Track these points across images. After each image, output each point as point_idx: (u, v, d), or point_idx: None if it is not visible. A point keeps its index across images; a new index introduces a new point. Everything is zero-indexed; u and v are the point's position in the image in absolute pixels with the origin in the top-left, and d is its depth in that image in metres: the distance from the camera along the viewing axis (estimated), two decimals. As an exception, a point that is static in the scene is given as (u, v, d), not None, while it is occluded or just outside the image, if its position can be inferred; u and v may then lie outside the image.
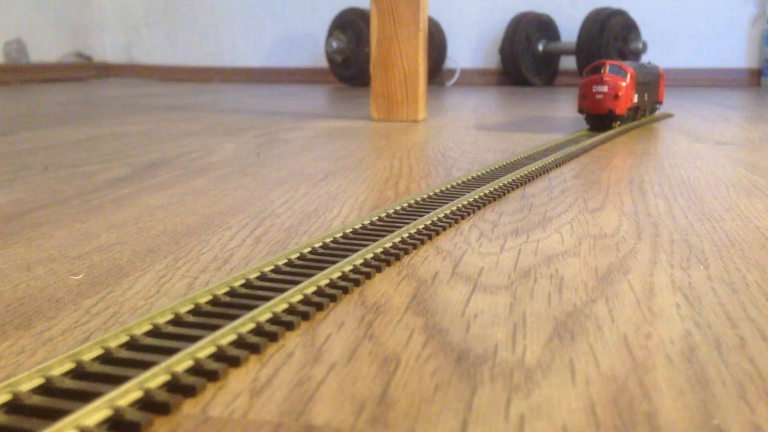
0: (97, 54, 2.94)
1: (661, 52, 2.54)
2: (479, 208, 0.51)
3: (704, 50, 2.57)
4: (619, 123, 0.98)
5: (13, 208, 0.52)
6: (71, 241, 0.43)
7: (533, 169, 0.65)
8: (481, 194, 0.53)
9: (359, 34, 2.41)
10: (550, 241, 0.43)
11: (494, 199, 0.54)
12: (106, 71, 2.96)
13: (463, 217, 0.48)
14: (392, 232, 0.42)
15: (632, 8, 2.46)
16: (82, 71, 2.80)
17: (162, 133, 1.02)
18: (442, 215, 0.47)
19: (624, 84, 0.96)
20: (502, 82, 2.71)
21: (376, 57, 1.19)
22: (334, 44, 2.45)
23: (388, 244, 0.39)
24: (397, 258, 0.38)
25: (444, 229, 0.45)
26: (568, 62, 2.58)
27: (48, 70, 2.59)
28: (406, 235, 0.42)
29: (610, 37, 2.29)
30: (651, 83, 1.12)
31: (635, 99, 1.01)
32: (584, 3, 2.56)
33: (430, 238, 0.43)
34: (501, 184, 0.57)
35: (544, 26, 2.55)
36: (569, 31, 2.55)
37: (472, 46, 2.75)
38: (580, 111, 0.99)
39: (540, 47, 2.54)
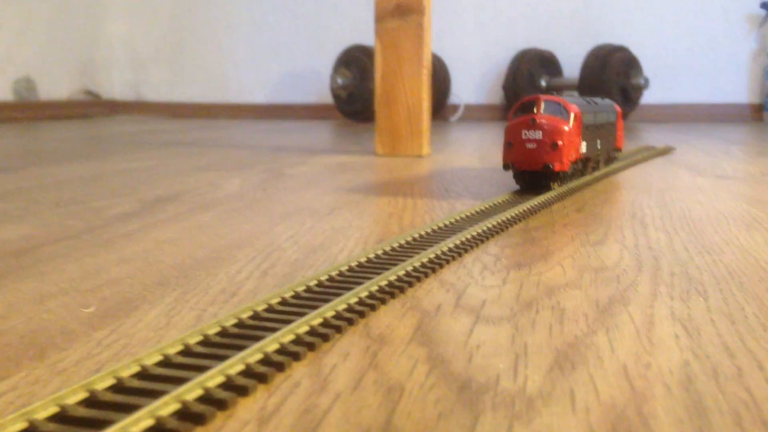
0: (106, 91, 2.98)
1: (662, 87, 2.57)
2: (482, 241, 0.52)
3: (706, 85, 2.59)
4: (558, 183, 0.72)
5: (25, 242, 0.53)
6: (82, 274, 0.44)
7: (536, 203, 0.66)
8: (484, 228, 0.54)
9: (364, 71, 2.44)
10: (551, 273, 0.44)
11: (497, 233, 0.55)
12: (114, 108, 2.99)
13: (466, 251, 0.49)
14: (396, 265, 0.43)
15: (634, 44, 2.49)
16: (91, 108, 2.84)
17: (169, 168, 1.04)
18: (445, 249, 0.48)
19: (566, 128, 0.68)
20: (505, 117, 2.73)
21: (381, 93, 1.21)
22: (339, 80, 2.48)
23: (393, 277, 0.40)
24: (402, 290, 0.39)
25: (447, 262, 0.46)
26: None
27: (57, 107, 2.62)
28: (410, 268, 0.42)
29: (612, 73, 2.32)
30: (605, 126, 0.85)
31: (583, 148, 0.74)
32: (586, 39, 2.59)
33: (434, 271, 0.44)
34: (504, 218, 0.58)
35: (547, 62, 2.58)
36: (571, 67, 2.58)
37: (475, 82, 2.78)
38: (506, 166, 0.70)
39: (543, 83, 2.57)
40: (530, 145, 0.69)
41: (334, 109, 2.66)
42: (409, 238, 0.50)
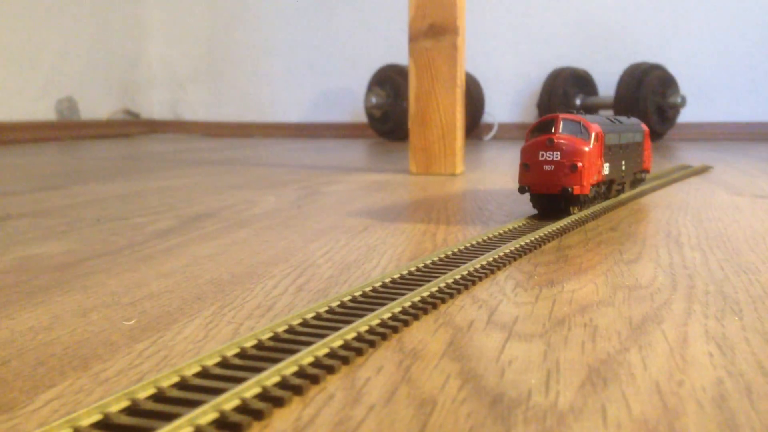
0: (145, 111, 3.04)
1: (699, 105, 2.54)
2: (515, 259, 0.52)
3: (744, 104, 2.56)
4: (579, 207, 0.67)
5: (68, 257, 0.54)
6: (123, 288, 0.45)
7: (569, 222, 0.66)
8: (517, 246, 0.54)
9: (397, 90, 2.46)
10: (584, 291, 0.44)
11: (530, 251, 0.55)
12: (152, 128, 3.05)
13: (499, 268, 0.49)
14: (429, 281, 0.43)
15: (670, 62, 2.47)
16: (130, 128, 2.90)
17: (207, 186, 1.06)
18: (478, 266, 0.48)
19: (586, 149, 0.64)
20: (539, 136, 2.72)
21: (414, 112, 1.22)
22: (373, 100, 2.50)
23: (426, 293, 0.41)
24: (434, 306, 0.40)
25: (480, 279, 0.46)
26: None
27: (98, 126, 2.68)
28: (443, 284, 0.43)
29: (648, 92, 2.30)
30: (631, 146, 0.81)
31: (606, 170, 0.70)
32: (622, 57, 2.58)
33: (466, 287, 0.44)
34: (537, 237, 0.58)
35: (582, 81, 2.57)
36: (607, 85, 2.57)
37: (509, 100, 2.78)
38: (522, 189, 0.67)
39: (577, 101, 2.56)
40: (548, 167, 0.64)
41: (367, 127, 2.68)
42: (442, 255, 0.50)
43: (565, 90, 2.54)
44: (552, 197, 0.66)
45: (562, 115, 0.66)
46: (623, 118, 0.82)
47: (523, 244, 0.55)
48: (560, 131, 0.65)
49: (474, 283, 0.45)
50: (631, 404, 0.27)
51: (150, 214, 0.77)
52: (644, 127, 0.89)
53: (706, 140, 2.41)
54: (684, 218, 0.73)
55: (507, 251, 0.53)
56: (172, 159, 1.66)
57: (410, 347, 0.33)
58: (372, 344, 0.33)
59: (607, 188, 0.75)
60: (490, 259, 0.50)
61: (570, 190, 0.64)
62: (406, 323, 0.37)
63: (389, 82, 2.51)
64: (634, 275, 0.48)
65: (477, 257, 0.50)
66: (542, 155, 0.65)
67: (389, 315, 0.37)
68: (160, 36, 3.12)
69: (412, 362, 0.31)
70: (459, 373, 0.30)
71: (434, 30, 1.22)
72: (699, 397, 0.27)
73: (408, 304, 0.39)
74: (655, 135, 2.36)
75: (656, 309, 0.40)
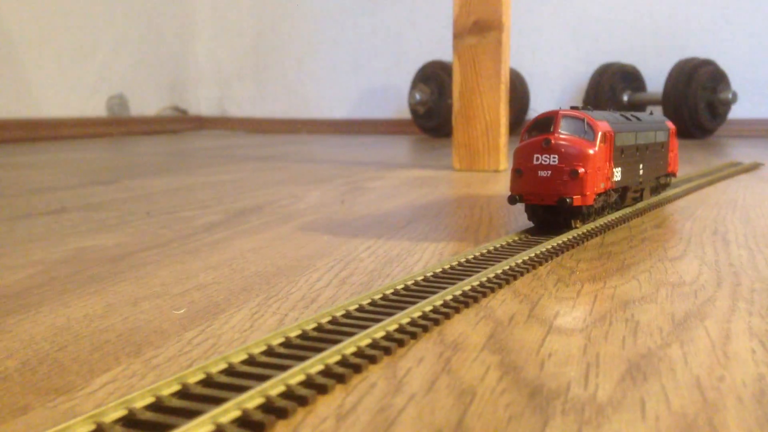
0: (192, 107, 3.09)
1: (751, 101, 2.48)
2: (557, 255, 0.52)
3: (798, 99, 2.49)
4: (581, 220, 0.58)
5: (120, 249, 0.56)
6: (173, 279, 0.46)
7: (614, 218, 0.65)
8: (560, 242, 0.54)
9: (442, 87, 2.46)
10: (627, 287, 0.44)
11: (572, 247, 0.55)
12: (199, 124, 3.10)
13: (541, 263, 0.49)
14: (471, 275, 0.44)
15: (721, 58, 2.42)
16: (178, 124, 2.95)
17: (252, 181, 1.07)
18: (520, 261, 0.48)
19: (590, 151, 0.55)
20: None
21: (458, 109, 1.22)
22: (418, 96, 2.50)
23: (467, 287, 0.41)
24: (476, 300, 0.40)
25: (522, 274, 0.46)
26: (655, 113, 2.55)
27: (147, 123, 2.74)
28: (484, 279, 0.43)
29: (698, 88, 2.26)
30: (652, 147, 0.71)
31: (616, 175, 0.61)
32: (671, 53, 2.53)
33: (507, 282, 0.44)
34: (580, 233, 0.58)
35: (630, 77, 2.54)
36: (655, 81, 2.53)
37: (555, 97, 2.76)
38: (513, 200, 0.57)
39: (625, 98, 2.52)
40: (543, 173, 0.55)
41: (412, 124, 2.68)
42: (484, 251, 0.51)
43: (612, 86, 2.51)
44: (550, 209, 0.57)
45: (562, 112, 0.57)
46: (643, 115, 0.73)
47: (565, 240, 0.55)
48: (560, 130, 0.56)
49: (515, 277, 0.45)
50: (670, 398, 0.27)
51: (198, 208, 0.79)
52: (669, 124, 0.80)
53: (758, 137, 2.36)
54: (732, 215, 0.72)
55: (549, 247, 0.53)
56: (219, 155, 1.68)
57: (451, 339, 0.34)
58: (413, 336, 0.34)
59: (621, 196, 0.66)
60: (532, 255, 0.50)
61: (569, 200, 0.54)
62: (447, 316, 0.37)
63: (434, 79, 2.51)
64: (678, 272, 0.48)
65: (519, 252, 0.50)
66: (537, 159, 0.55)
67: (431, 308, 0.37)
68: (208, 34, 3.17)
69: (453, 354, 0.32)
70: (499, 365, 0.31)
71: (479, 26, 1.21)
72: (739, 392, 0.27)
73: (449, 297, 0.39)
74: (706, 131, 2.31)
75: (699, 305, 0.39)
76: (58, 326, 0.37)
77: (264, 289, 0.44)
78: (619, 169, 0.61)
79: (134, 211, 0.77)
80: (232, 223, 0.68)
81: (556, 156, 0.54)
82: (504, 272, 0.45)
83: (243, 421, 0.25)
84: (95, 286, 0.45)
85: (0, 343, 0.34)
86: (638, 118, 0.69)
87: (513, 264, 0.47)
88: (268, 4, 3.11)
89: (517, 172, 0.56)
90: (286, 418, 0.25)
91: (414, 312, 0.36)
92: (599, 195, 0.58)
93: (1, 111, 2.10)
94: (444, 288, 0.41)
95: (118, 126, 2.56)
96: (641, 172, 0.68)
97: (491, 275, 0.44)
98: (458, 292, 0.40)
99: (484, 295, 0.41)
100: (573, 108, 0.58)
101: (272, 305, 0.40)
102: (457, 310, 0.38)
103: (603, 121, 0.59)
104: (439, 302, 0.38)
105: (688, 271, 0.48)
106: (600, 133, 0.57)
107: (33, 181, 1.10)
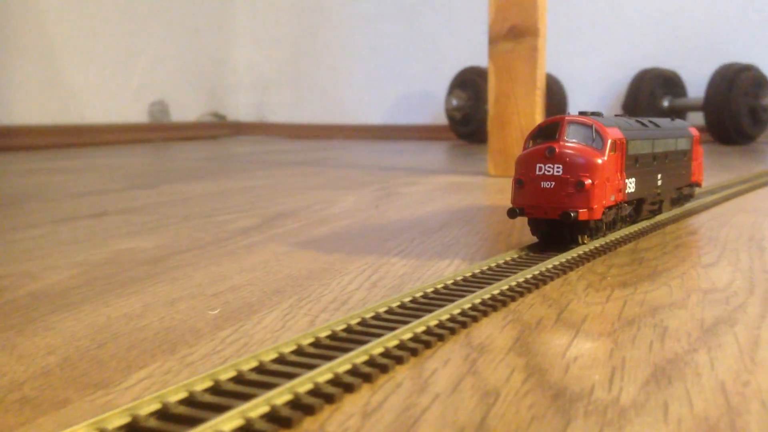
0: (231, 113, 3.13)
1: (796, 107, 2.43)
2: (588, 260, 0.52)
3: None
4: (589, 236, 0.54)
5: (158, 252, 0.58)
6: (208, 281, 0.48)
7: (648, 225, 0.65)
8: (591, 248, 0.54)
9: (478, 92, 2.46)
10: (657, 293, 0.44)
11: (604, 253, 0.55)
12: (238, 129, 3.14)
13: (571, 269, 0.49)
14: (501, 280, 0.44)
15: (764, 63, 2.37)
16: (217, 130, 3.00)
17: (288, 186, 1.09)
18: (550, 266, 0.48)
19: (599, 160, 0.51)
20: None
21: (494, 114, 1.23)
22: (454, 102, 2.50)
23: (496, 291, 0.42)
24: (504, 304, 0.41)
25: (552, 278, 0.46)
26: (696, 119, 2.52)
27: (187, 128, 2.79)
28: (513, 283, 0.44)
29: (740, 93, 2.22)
30: (672, 155, 0.66)
31: (629, 186, 0.57)
32: (712, 58, 2.50)
33: (537, 286, 0.44)
34: (612, 239, 0.58)
35: (670, 82, 2.51)
36: (696, 86, 2.49)
37: (594, 102, 2.73)
38: (513, 213, 0.52)
39: (665, 103, 2.49)
40: (546, 184, 0.51)
41: (448, 130, 2.68)
42: (515, 256, 0.51)
43: (652, 91, 2.48)
44: (554, 223, 0.52)
45: (568, 118, 0.53)
46: (663, 120, 0.68)
47: (597, 246, 0.55)
48: (565, 138, 0.52)
49: (545, 282, 0.45)
50: (693, 402, 0.27)
51: (234, 212, 0.80)
52: (693, 131, 0.74)
53: (802, 143, 2.31)
54: (769, 223, 0.71)
55: (580, 252, 0.53)
56: (256, 160, 1.71)
57: (478, 342, 0.34)
58: (440, 338, 0.34)
59: (635, 209, 0.61)
60: (563, 260, 0.50)
61: (573, 214, 0.50)
62: (475, 319, 0.38)
63: (470, 85, 2.51)
64: (710, 278, 0.47)
65: (550, 258, 0.50)
66: (540, 169, 0.51)
67: (459, 311, 0.38)
68: (247, 41, 3.21)
69: (479, 356, 0.33)
70: (524, 367, 0.31)
71: (514, 32, 1.22)
72: (764, 397, 0.27)
73: (478, 301, 0.40)
74: (747, 138, 2.27)
75: (730, 312, 0.39)
76: (98, 324, 0.38)
77: (296, 291, 0.45)
78: (633, 179, 0.57)
79: (172, 214, 0.78)
80: (267, 227, 0.70)
81: (561, 166, 0.51)
82: (534, 277, 0.46)
83: (271, 416, 0.26)
84: (134, 287, 0.46)
85: (43, 340, 0.36)
86: (657, 125, 0.65)
87: (543, 269, 0.47)
88: (307, 12, 3.14)
89: (518, 183, 0.53)
90: (314, 414, 0.26)
91: (442, 315, 0.37)
92: (609, 208, 0.54)
93: (47, 118, 2.15)
94: (473, 291, 0.41)
95: (159, 132, 2.60)
96: (659, 182, 0.64)
97: (521, 280, 0.45)
98: (487, 296, 0.41)
99: (513, 299, 0.42)
100: (581, 113, 0.55)
101: (304, 307, 0.41)
102: (485, 314, 0.39)
103: (614, 128, 0.54)
104: (467, 305, 0.39)
105: (721, 278, 0.47)
106: (610, 141, 0.52)
107: (77, 186, 1.13)
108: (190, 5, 2.81)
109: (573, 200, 0.50)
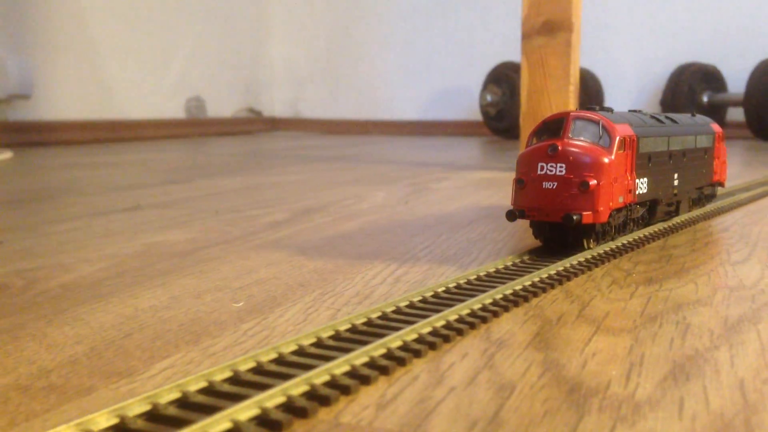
0: (266, 109, 3.16)
1: (840, 102, 2.37)
2: (615, 257, 0.52)
3: None
4: (594, 240, 0.51)
5: (188, 245, 0.59)
6: (235, 274, 0.48)
7: (678, 221, 0.64)
8: (619, 244, 0.54)
9: (513, 88, 2.44)
10: (683, 290, 0.43)
11: (631, 249, 0.54)
12: (273, 125, 3.17)
13: (596, 265, 0.49)
14: (524, 275, 0.44)
15: (807, 57, 2.32)
16: (253, 125, 3.02)
17: (319, 181, 1.10)
18: (575, 262, 0.48)
19: (605, 159, 0.47)
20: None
21: (526, 110, 1.22)
22: (488, 97, 2.49)
23: (518, 287, 0.42)
24: (526, 299, 0.41)
25: (576, 275, 0.46)
26: (736, 114, 2.47)
27: (223, 124, 2.82)
28: (537, 279, 0.44)
29: (781, 88, 2.17)
30: (691, 153, 0.62)
31: (641, 187, 0.53)
32: (754, 53, 2.45)
33: (560, 282, 0.44)
34: (641, 236, 0.58)
35: (710, 77, 2.46)
36: (737, 81, 2.45)
37: (631, 97, 2.70)
38: (512, 215, 0.50)
39: (705, 98, 2.45)
40: (549, 185, 0.48)
41: (482, 125, 2.67)
42: (541, 252, 0.51)
43: (691, 86, 2.44)
44: (556, 226, 0.49)
45: (573, 113, 0.50)
46: (682, 117, 0.64)
47: (625, 242, 0.55)
48: (570, 135, 0.48)
49: (569, 278, 0.45)
50: (710, 398, 0.27)
51: (264, 207, 0.81)
52: (715, 127, 0.69)
53: None
54: (805, 220, 0.69)
55: (607, 249, 0.52)
56: (290, 155, 1.72)
57: (497, 336, 0.35)
58: (459, 332, 0.35)
59: (649, 211, 0.58)
60: (588, 256, 0.50)
61: (575, 217, 0.46)
62: (495, 314, 0.38)
63: (505, 80, 2.50)
64: (738, 276, 0.47)
65: (575, 254, 0.50)
66: (542, 168, 0.48)
67: (479, 306, 0.38)
68: (282, 37, 3.23)
69: (497, 350, 0.33)
70: (541, 362, 0.31)
71: (548, 27, 1.21)
72: (783, 395, 0.27)
73: (499, 296, 0.40)
74: (788, 134, 2.22)
75: (756, 309, 0.39)
76: (125, 315, 0.39)
77: (320, 284, 0.45)
78: (645, 179, 0.54)
79: (204, 209, 0.80)
80: (296, 222, 0.70)
81: (564, 165, 0.47)
82: (558, 273, 0.46)
83: (287, 406, 0.26)
84: (162, 279, 0.47)
85: (72, 330, 0.37)
86: (674, 121, 0.61)
87: (568, 265, 0.47)
88: (341, 8, 3.15)
89: (519, 183, 0.50)
90: (329, 405, 0.27)
91: (462, 309, 0.37)
92: (618, 210, 0.51)
93: (86, 113, 2.20)
94: (495, 287, 0.41)
95: (195, 127, 2.64)
96: (676, 182, 0.60)
97: (544, 275, 0.44)
98: (508, 291, 0.41)
99: (535, 294, 0.42)
100: (589, 108, 0.52)
101: (327, 300, 0.42)
102: (506, 309, 0.39)
103: (623, 125, 0.51)
104: (488, 300, 0.39)
105: (749, 275, 0.47)
106: (618, 138, 0.49)
107: (113, 180, 1.15)
108: (227, 2, 2.84)
109: (577, 202, 0.47)
